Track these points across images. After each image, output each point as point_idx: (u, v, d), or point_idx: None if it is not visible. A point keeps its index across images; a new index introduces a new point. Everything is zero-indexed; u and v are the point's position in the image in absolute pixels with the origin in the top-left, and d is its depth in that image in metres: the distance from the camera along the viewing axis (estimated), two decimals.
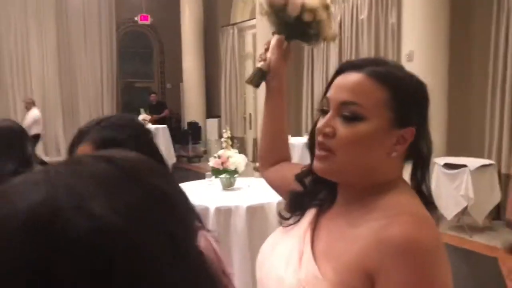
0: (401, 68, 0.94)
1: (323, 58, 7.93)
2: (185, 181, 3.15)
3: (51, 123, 11.38)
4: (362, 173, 0.89)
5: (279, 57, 1.20)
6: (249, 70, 9.31)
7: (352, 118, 0.86)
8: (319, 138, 0.90)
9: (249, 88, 9.34)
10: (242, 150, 9.74)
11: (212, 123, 10.73)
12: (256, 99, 8.50)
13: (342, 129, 0.87)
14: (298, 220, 1.01)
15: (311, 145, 0.99)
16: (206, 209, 2.38)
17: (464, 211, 4.80)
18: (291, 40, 1.21)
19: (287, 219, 1.03)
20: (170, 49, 12.29)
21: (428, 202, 0.91)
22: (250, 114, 9.43)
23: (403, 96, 0.88)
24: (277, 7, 1.19)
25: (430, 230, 0.82)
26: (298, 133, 7.39)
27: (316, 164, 0.91)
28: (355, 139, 0.86)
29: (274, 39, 1.22)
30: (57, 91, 11.38)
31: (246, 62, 9.75)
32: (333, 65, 7.48)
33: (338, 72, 0.93)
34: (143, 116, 8.42)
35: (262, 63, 1.20)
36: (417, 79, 0.93)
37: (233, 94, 10.30)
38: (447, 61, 5.49)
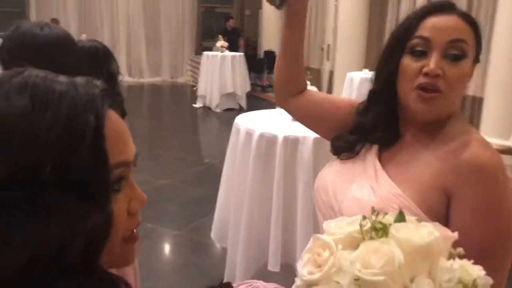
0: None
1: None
2: (258, 109, 3.25)
3: (135, 47, 11.84)
4: (453, 109, 0.99)
5: None
6: (330, 1, 8.95)
7: (459, 57, 0.94)
8: (427, 79, 0.94)
9: (330, 17, 9.03)
10: (317, 82, 9.65)
11: None
12: (336, 29, 8.23)
13: (450, 69, 0.94)
14: (356, 154, 1.09)
15: (376, 92, 1.06)
16: (275, 137, 2.46)
17: None
18: None
19: (338, 154, 1.12)
20: None
21: None
22: (328, 45, 9.18)
23: (479, 37, 1.00)
24: None
25: (496, 154, 0.94)
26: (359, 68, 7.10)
27: (423, 106, 0.95)
28: (461, 77, 0.95)
29: None
30: (141, 15, 11.70)
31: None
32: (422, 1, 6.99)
33: (424, 14, 0.98)
34: (220, 43, 8.48)
35: None
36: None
37: (312, 23, 10.02)
38: None
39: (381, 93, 1.05)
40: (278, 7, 1.13)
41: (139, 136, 6.24)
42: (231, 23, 10.79)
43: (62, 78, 0.51)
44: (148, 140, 6.49)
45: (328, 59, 9.24)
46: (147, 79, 11.94)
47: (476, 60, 1.00)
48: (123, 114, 1.98)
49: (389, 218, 0.57)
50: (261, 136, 2.46)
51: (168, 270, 3.20)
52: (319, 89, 9.74)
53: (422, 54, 0.96)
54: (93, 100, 0.50)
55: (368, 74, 6.04)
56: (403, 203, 0.93)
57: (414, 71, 0.96)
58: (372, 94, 1.09)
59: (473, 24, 0.98)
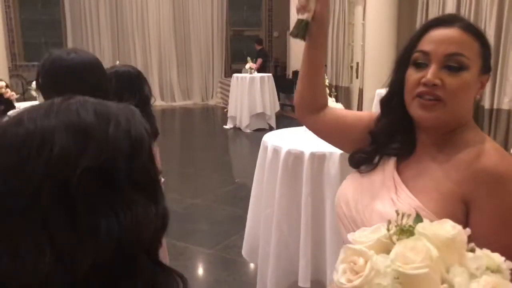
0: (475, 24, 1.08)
1: (439, 3, 7.39)
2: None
3: (166, 72, 12.16)
4: (461, 117, 1.02)
5: (324, 5, 1.21)
6: (358, 17, 9.00)
7: (458, 68, 0.97)
8: (425, 89, 0.98)
9: (358, 36, 9.06)
10: (346, 100, 9.63)
11: None
12: (364, 47, 8.25)
13: (449, 79, 0.97)
14: (375, 167, 1.11)
15: (387, 101, 1.10)
16: (302, 154, 2.49)
17: None
18: None
19: (357, 167, 1.15)
20: None
21: None
22: (357, 63, 9.19)
23: (486, 47, 1.02)
24: None
25: (511, 159, 0.97)
26: None
27: (423, 113, 1.00)
28: (463, 87, 0.98)
29: None
30: (172, 41, 12.04)
31: (356, 9, 9.41)
32: (451, 11, 6.95)
33: (425, 29, 1.03)
34: (249, 65, 8.63)
35: (306, 14, 1.20)
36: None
37: (340, 42, 10.07)
38: None
39: (390, 103, 1.10)
40: (303, 39, 1.21)
41: (171, 157, 6.38)
42: (257, 46, 10.90)
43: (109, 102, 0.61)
44: (180, 160, 6.62)
45: (357, 77, 9.24)
46: (179, 103, 12.21)
47: (485, 70, 1.02)
48: (155, 133, 2.07)
49: (409, 221, 0.62)
50: (288, 152, 2.50)
51: (200, 287, 3.24)
52: (349, 107, 9.75)
53: (423, 66, 1.00)
54: (140, 117, 0.60)
55: None
56: (423, 215, 0.95)
57: (415, 81, 1.00)
58: (382, 104, 1.13)
59: (477, 36, 1.00)
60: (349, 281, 0.58)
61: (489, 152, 0.96)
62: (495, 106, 6.44)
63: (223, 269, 3.40)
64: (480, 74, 1.01)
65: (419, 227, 0.60)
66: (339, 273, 0.60)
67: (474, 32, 1.01)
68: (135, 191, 0.54)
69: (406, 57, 1.04)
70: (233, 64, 12.72)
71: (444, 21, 1.02)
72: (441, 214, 0.94)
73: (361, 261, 0.58)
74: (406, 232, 0.59)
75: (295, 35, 1.21)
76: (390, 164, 1.09)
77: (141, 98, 1.99)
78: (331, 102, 2.89)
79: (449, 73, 0.97)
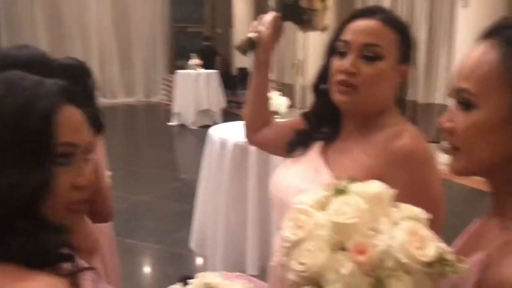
0: (398, 15, 1.13)
1: (376, 2, 7.72)
2: None
3: (107, 68, 11.85)
4: (375, 103, 1.07)
5: (272, 33, 1.28)
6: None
7: (374, 58, 1.03)
8: (342, 77, 1.04)
9: (299, 35, 9.25)
10: (290, 97, 9.74)
11: None
12: (306, 45, 8.46)
13: (365, 68, 1.03)
14: (305, 152, 1.17)
15: (319, 84, 1.16)
16: (248, 146, 2.55)
17: None
18: (285, 20, 1.30)
19: (291, 150, 1.20)
20: None
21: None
22: (300, 61, 9.40)
23: (405, 38, 1.07)
24: None
25: (425, 143, 1.05)
26: None
27: (340, 97, 1.06)
28: (377, 76, 1.03)
29: (270, 15, 1.30)
30: (113, 37, 11.74)
31: None
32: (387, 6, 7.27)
33: (348, 20, 1.09)
34: (194, 61, 8.59)
35: (254, 34, 1.29)
36: (408, 23, 1.12)
37: (283, 40, 10.23)
38: (505, 7, 5.23)
39: (317, 89, 1.17)
40: (244, 54, 1.30)
41: (115, 155, 6.24)
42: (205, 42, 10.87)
43: (34, 77, 0.73)
44: (124, 158, 6.49)
45: (300, 74, 9.45)
46: (121, 100, 11.93)
47: (405, 60, 1.07)
48: (100, 126, 2.03)
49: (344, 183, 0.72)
50: (235, 145, 2.56)
51: (148, 283, 3.23)
52: (293, 103, 9.89)
53: (344, 54, 1.05)
54: (50, 92, 0.71)
55: None
56: None
57: (336, 68, 1.06)
58: (313, 88, 1.19)
59: (396, 28, 1.05)
60: (295, 234, 0.66)
61: (405, 133, 1.02)
62: (428, 101, 6.84)
63: (171, 264, 3.41)
64: (397, 64, 1.05)
65: (352, 187, 0.69)
66: (285, 230, 0.67)
67: (394, 24, 1.05)
68: (19, 152, 0.66)
69: (332, 45, 1.10)
70: (177, 60, 12.59)
71: (366, 12, 1.07)
72: None
73: (304, 217, 0.66)
74: (341, 191, 0.68)
75: (238, 48, 1.31)
76: (316, 149, 1.16)
77: (85, 92, 1.97)
78: (277, 96, 2.97)
79: (366, 62, 1.02)
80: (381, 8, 1.11)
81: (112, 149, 6.44)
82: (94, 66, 11.46)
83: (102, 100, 11.22)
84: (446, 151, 0.84)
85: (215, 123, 8.27)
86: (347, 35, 1.06)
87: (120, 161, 6.15)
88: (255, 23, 1.32)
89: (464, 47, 5.13)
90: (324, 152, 1.15)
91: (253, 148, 2.53)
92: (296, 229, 0.66)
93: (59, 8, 11.16)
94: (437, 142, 4.72)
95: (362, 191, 0.67)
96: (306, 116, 1.22)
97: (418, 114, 7.00)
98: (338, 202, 0.66)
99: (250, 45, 1.28)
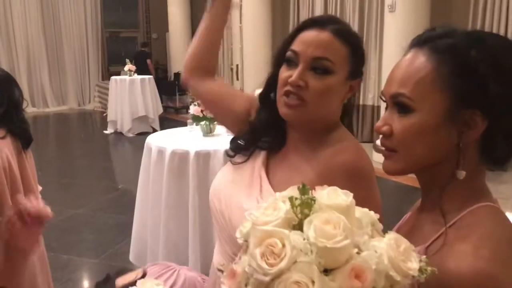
0: (349, 25, 1.10)
1: (308, 7, 7.92)
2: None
3: (37, 76, 11.29)
4: (322, 118, 1.04)
5: None
6: (235, 21, 9.23)
7: (323, 72, 0.99)
8: (290, 88, 1.00)
9: (236, 39, 9.29)
10: None
11: None
12: (243, 50, 8.51)
13: (313, 81, 0.98)
14: (247, 160, 1.12)
15: (266, 94, 1.11)
16: (187, 153, 2.52)
17: None
18: None
19: (233, 156, 1.15)
20: None
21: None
22: (237, 65, 9.43)
23: (357, 52, 1.03)
24: None
25: (368, 158, 1.03)
26: None
27: (287, 110, 1.01)
28: (326, 91, 0.99)
29: None
30: (42, 43, 11.21)
31: (233, 12, 9.65)
32: (319, 14, 7.46)
33: (301, 28, 1.03)
34: (128, 67, 8.38)
35: None
36: (360, 36, 1.09)
37: (220, 45, 10.23)
38: (429, 12, 5.53)
39: (267, 98, 1.12)
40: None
41: (48, 167, 5.95)
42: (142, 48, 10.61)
43: None
44: (58, 170, 6.21)
45: (237, 78, 9.49)
46: (52, 108, 11.41)
47: (354, 75, 1.03)
48: (29, 140, 1.94)
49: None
50: (173, 153, 2.51)
51: None
52: None
53: (293, 65, 1.01)
54: None
55: None
56: None
57: (284, 79, 1.01)
58: (260, 98, 1.15)
59: (348, 41, 1.00)
60: (273, 265, 0.56)
61: (348, 149, 1.00)
62: (361, 102, 7.09)
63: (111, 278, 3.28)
64: (347, 79, 1.02)
65: (320, 198, 0.62)
66: (257, 259, 0.57)
67: (346, 37, 1.01)
68: None
69: (282, 53, 1.05)
70: (111, 66, 12.23)
71: (318, 22, 1.02)
72: None
73: (278, 242, 0.57)
74: (307, 204, 0.61)
75: None
76: (259, 160, 1.10)
77: (11, 103, 1.85)
78: None
79: (314, 76, 0.98)
80: (334, 18, 1.07)
81: (44, 161, 6.13)
82: (22, 74, 10.91)
83: (33, 109, 10.70)
84: (383, 153, 0.87)
85: (153, 130, 8.16)
86: (297, 45, 1.01)
87: (54, 173, 5.87)
88: None
89: (391, 50, 5.37)
90: (268, 163, 1.11)
91: (192, 155, 2.50)
92: (272, 258, 0.56)
93: None
94: (371, 142, 4.90)
95: (334, 204, 0.61)
96: (251, 124, 1.16)
97: (353, 115, 7.23)
98: (318, 221, 0.58)
99: None
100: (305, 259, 0.56)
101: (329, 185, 0.95)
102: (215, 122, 2.91)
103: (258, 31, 7.99)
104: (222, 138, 2.89)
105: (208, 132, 2.92)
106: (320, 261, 0.56)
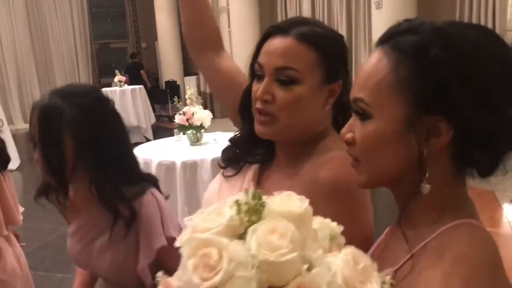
0: (322, 25, 0.98)
1: (296, 6, 7.90)
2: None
3: (27, 91, 11.23)
4: (303, 130, 0.94)
5: None
6: (224, 25, 9.19)
7: (289, 82, 0.89)
8: (258, 105, 0.92)
9: (225, 43, 9.24)
10: (211, 106, 9.65)
11: (190, 81, 10.68)
12: (232, 53, 8.47)
13: (281, 93, 0.89)
14: (237, 173, 1.06)
15: (245, 109, 1.02)
16: (173, 164, 2.47)
17: None
18: None
19: (225, 167, 1.09)
20: (142, 6, 12.02)
21: None
22: None
23: (329, 54, 0.92)
24: None
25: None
26: None
27: (260, 128, 0.94)
28: (295, 102, 0.90)
29: None
30: (31, 58, 11.16)
31: (221, 16, 9.62)
32: (306, 14, 7.44)
33: (265, 37, 0.94)
34: (118, 78, 8.33)
35: None
36: (337, 33, 0.99)
37: None
38: (416, 7, 5.51)
39: (246, 112, 1.03)
40: None
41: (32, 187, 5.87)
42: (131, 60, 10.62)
43: None
44: None
45: (204, 79, 9.43)
46: None
47: (332, 78, 0.93)
48: (5, 161, 1.89)
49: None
50: (160, 164, 2.47)
51: None
52: (221, 113, 9.84)
53: (260, 77, 0.93)
54: None
55: None
56: None
57: (253, 95, 0.94)
58: (240, 112, 1.07)
59: (315, 44, 0.90)
60: (206, 279, 0.47)
61: (332, 161, 0.89)
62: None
63: None
64: (322, 84, 0.92)
65: (270, 202, 0.54)
66: (189, 271, 0.48)
67: (311, 40, 0.90)
68: None
69: (252, 66, 0.98)
70: (102, 78, 12.18)
71: (280, 29, 0.92)
72: None
73: (214, 252, 0.48)
74: (256, 211, 0.52)
75: None
76: (250, 173, 1.04)
77: None
78: (200, 110, 2.91)
79: (281, 87, 0.90)
80: (300, 20, 0.95)
81: (36, 178, 6.03)
82: (13, 91, 10.85)
83: (25, 126, 10.62)
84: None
85: (147, 140, 8.10)
86: (261, 57, 0.93)
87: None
88: None
89: None
90: (260, 177, 1.04)
91: (178, 166, 2.45)
92: (206, 271, 0.48)
93: None
94: None
95: (286, 210, 0.53)
96: (234, 142, 1.09)
97: None
98: (262, 229, 0.50)
99: None
100: (244, 273, 0.47)
101: (311, 203, 0.89)
102: (202, 131, 2.87)
103: (247, 34, 7.95)
104: (210, 146, 2.84)
105: (196, 141, 2.88)
106: (262, 277, 0.48)
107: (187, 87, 3.27)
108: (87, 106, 1.19)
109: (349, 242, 0.81)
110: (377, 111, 0.65)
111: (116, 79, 8.32)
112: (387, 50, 0.65)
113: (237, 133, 1.12)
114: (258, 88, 0.92)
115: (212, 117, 2.99)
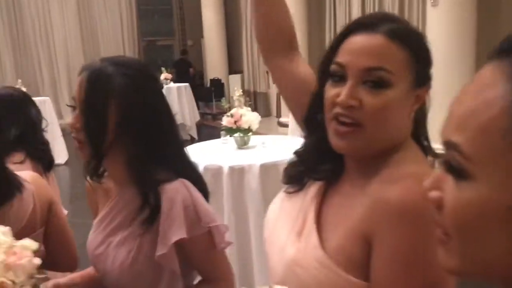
0: (408, 22, 0.87)
1: (345, 8, 7.66)
2: (210, 138, 3.17)
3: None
4: (387, 141, 0.83)
5: None
6: None
7: (379, 85, 0.79)
8: (340, 110, 0.80)
9: None
10: (266, 105, 9.61)
11: (235, 79, 10.65)
12: None
13: (368, 98, 0.79)
14: (301, 189, 0.96)
15: (312, 116, 0.92)
16: (220, 168, 2.37)
17: None
18: None
19: (290, 182, 0.99)
20: (189, 4, 12.09)
21: (430, 152, 0.88)
22: None
23: (420, 54, 0.82)
24: None
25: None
26: None
27: (338, 141, 0.82)
28: (386, 108, 0.79)
29: None
30: (80, 54, 11.46)
31: None
32: (356, 15, 7.21)
33: (344, 35, 0.84)
34: (164, 75, 8.39)
35: None
36: (422, 33, 0.86)
37: (255, 48, 10.12)
38: (475, 5, 5.18)
39: (313, 121, 0.92)
40: None
41: (80, 187, 5.97)
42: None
43: None
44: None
45: (274, 82, 9.33)
46: None
47: (420, 82, 0.83)
48: (50, 163, 1.82)
49: None
50: (206, 169, 2.38)
51: None
52: (269, 112, 9.73)
53: (340, 80, 0.82)
54: None
55: None
56: (319, 257, 0.81)
57: (331, 99, 0.82)
58: (305, 122, 0.96)
59: (407, 43, 0.80)
60: None
61: (401, 181, 0.77)
62: None
63: None
64: (412, 88, 0.81)
65: None
66: None
67: (403, 38, 0.80)
68: None
69: (325, 67, 0.86)
70: None
71: (366, 25, 0.82)
72: (338, 254, 0.80)
73: None
74: None
75: None
76: (312, 190, 0.93)
77: (29, 124, 1.75)
78: (249, 112, 2.81)
79: (369, 91, 0.79)
80: (387, 16, 0.85)
81: (75, 179, 6.09)
82: (63, 87, 11.17)
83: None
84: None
85: (192, 138, 8.14)
86: (343, 56, 0.82)
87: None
88: None
89: (435, 47, 5.05)
90: (325, 195, 0.92)
91: (225, 172, 2.35)
92: None
93: (23, 28, 10.83)
94: None
95: None
96: (299, 155, 0.98)
97: None
98: None
99: None
100: None
101: (371, 227, 0.77)
102: (250, 134, 2.76)
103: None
104: (257, 150, 2.74)
105: (242, 145, 2.78)
106: None
107: (234, 87, 3.17)
108: (138, 79, 1.10)
109: (420, 271, 0.73)
110: (480, 169, 0.43)
111: (162, 76, 8.38)
112: (509, 69, 0.43)
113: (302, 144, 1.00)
114: (337, 92, 0.81)
115: (266, 113, 2.87)
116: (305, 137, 0.98)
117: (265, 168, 2.35)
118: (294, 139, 3.17)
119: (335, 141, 0.83)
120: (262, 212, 2.26)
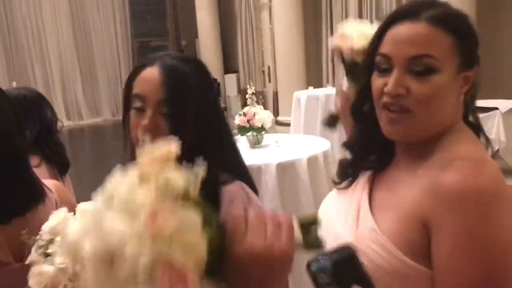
0: (449, 4, 0.88)
1: (342, 6, 7.65)
2: None
3: (71, 89, 11.43)
4: (438, 125, 0.85)
5: (347, 103, 1.20)
6: (265, 22, 9.05)
7: (426, 72, 0.81)
8: (388, 99, 0.84)
9: (266, 40, 9.11)
10: (263, 104, 9.57)
11: (230, 79, 10.61)
12: (274, 51, 8.31)
13: (416, 85, 0.82)
14: (351, 184, 0.98)
15: (359, 108, 0.95)
16: (260, 167, 2.35)
17: (495, 154, 4.69)
18: (353, 80, 1.26)
19: (339, 183, 1.01)
20: (182, 4, 12.02)
21: (480, 132, 0.90)
22: (268, 67, 9.24)
23: (465, 36, 0.84)
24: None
25: (490, 175, 0.78)
26: (319, 85, 7.24)
27: (390, 128, 0.85)
28: (434, 94, 0.82)
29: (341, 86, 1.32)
30: (74, 55, 11.37)
31: (262, 13, 9.47)
32: (353, 13, 7.20)
33: (387, 25, 0.86)
34: None
35: (335, 109, 1.38)
36: (465, 14, 0.87)
37: (250, 47, 10.09)
38: (474, 2, 5.19)
39: (361, 111, 0.96)
40: (333, 126, 1.40)
41: (85, 183, 5.91)
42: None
43: None
44: (96, 185, 6.16)
45: (269, 80, 9.30)
46: (87, 121, 11.52)
47: (468, 64, 0.85)
48: (66, 166, 1.74)
49: None
50: None
51: None
52: (265, 108, 9.65)
53: (386, 70, 0.85)
54: None
55: (313, 92, 6.07)
56: (377, 239, 0.82)
57: (378, 89, 0.86)
58: (353, 112, 0.99)
59: (450, 28, 0.82)
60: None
61: (458, 164, 0.78)
62: None
63: None
64: (459, 71, 0.84)
65: None
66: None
67: (446, 22, 0.82)
68: None
69: (371, 59, 0.89)
70: None
71: (407, 13, 0.84)
72: (397, 239, 0.81)
73: None
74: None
75: (325, 124, 1.44)
76: (363, 179, 0.96)
77: (44, 125, 1.69)
78: (261, 110, 2.78)
79: (416, 78, 0.81)
80: (424, 2, 0.86)
81: (81, 177, 6.10)
82: (57, 88, 11.08)
83: (68, 123, 10.82)
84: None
85: None
86: (387, 47, 0.84)
87: (91, 190, 5.81)
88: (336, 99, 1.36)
89: None
90: (372, 185, 0.95)
91: (272, 169, 2.32)
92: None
93: (15, 30, 10.70)
94: None
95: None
96: (348, 147, 1.01)
97: None
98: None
99: (335, 119, 1.39)
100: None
101: (432, 215, 0.77)
102: (263, 132, 2.73)
103: (290, 31, 7.75)
104: (272, 149, 2.71)
105: (256, 144, 2.75)
106: None
107: (247, 86, 3.14)
108: (207, 76, 1.05)
109: (483, 256, 0.74)
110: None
111: None
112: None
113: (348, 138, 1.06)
114: (383, 82, 0.84)
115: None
116: (353, 128, 1.01)
117: (282, 167, 2.32)
118: (307, 137, 3.14)
119: (387, 129, 0.86)
120: (279, 211, 2.23)
